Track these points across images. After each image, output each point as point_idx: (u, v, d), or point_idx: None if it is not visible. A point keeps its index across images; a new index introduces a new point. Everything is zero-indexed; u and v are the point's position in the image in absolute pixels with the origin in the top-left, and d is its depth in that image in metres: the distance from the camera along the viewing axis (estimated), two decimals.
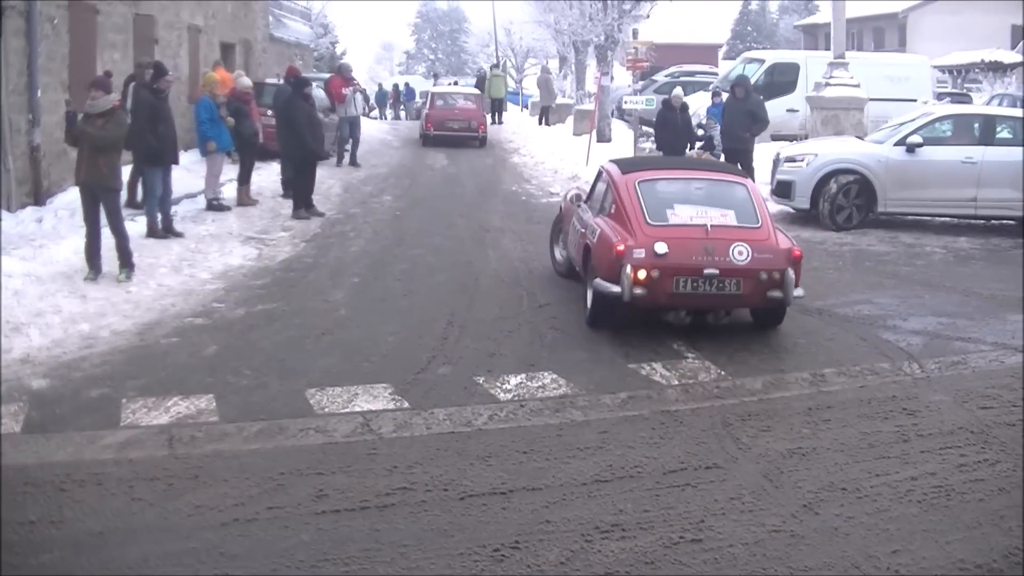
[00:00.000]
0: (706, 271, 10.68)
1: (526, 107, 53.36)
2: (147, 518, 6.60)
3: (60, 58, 18.46)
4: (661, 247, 10.71)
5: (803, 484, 7.29)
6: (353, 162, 26.40)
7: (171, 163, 16.02)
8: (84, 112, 12.98)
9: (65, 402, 8.82)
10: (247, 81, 20.69)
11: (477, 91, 39.67)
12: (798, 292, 11.00)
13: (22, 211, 16.48)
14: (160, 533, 6.38)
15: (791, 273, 10.84)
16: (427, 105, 35.18)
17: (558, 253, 14.37)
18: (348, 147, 26.49)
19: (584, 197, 13.48)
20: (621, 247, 10.82)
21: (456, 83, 51.16)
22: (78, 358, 9.99)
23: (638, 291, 10.66)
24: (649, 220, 11.18)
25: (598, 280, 11.10)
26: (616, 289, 10.75)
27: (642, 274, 10.65)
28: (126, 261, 13.10)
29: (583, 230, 12.36)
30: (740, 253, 10.80)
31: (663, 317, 11.47)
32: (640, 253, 10.71)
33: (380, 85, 71.13)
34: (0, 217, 14.97)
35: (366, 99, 40.93)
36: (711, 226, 11.04)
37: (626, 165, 12.89)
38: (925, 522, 6.71)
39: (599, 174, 13.18)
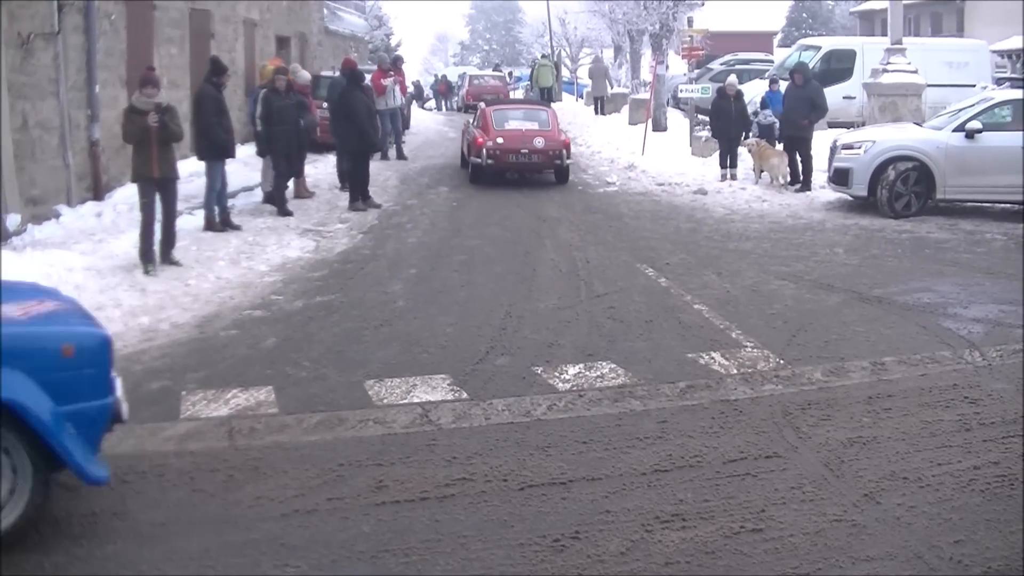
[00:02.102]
0: (522, 151, 21.93)
1: (581, 97, 53.35)
2: (208, 509, 6.65)
3: (118, 54, 18.63)
4: (500, 140, 21.91)
5: (864, 473, 7.23)
6: (400, 155, 26.39)
7: (229, 156, 16.17)
8: (138, 108, 13.12)
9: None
10: (306, 74, 20.79)
11: (502, 72, 56.16)
12: (569, 160, 22.65)
13: (82, 206, 16.63)
14: (221, 524, 6.43)
15: (564, 151, 22.35)
16: (466, 84, 51.57)
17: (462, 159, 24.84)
18: (392, 140, 26.49)
19: (473, 123, 23.89)
20: (481, 140, 22.08)
21: (511, 73, 53.01)
22: (138, 351, 10.07)
23: (490, 161, 21.78)
24: (495, 128, 22.30)
25: (473, 157, 22.31)
26: (479, 160, 21.86)
27: (491, 153, 21.77)
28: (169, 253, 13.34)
29: (470, 137, 23.28)
30: (539, 141, 22.09)
31: (506, 176, 22.44)
32: (490, 143, 21.83)
33: (436, 76, 71.34)
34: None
35: (418, 91, 41.63)
36: (525, 129, 22.40)
37: (490, 103, 25.34)
38: (988, 512, 6.63)
39: (478, 109, 24.67)
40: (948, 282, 13.23)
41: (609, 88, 43.02)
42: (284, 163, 17.99)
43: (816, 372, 9.63)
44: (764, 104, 23.89)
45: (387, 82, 26.03)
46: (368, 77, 22.58)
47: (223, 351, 10.19)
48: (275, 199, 17.90)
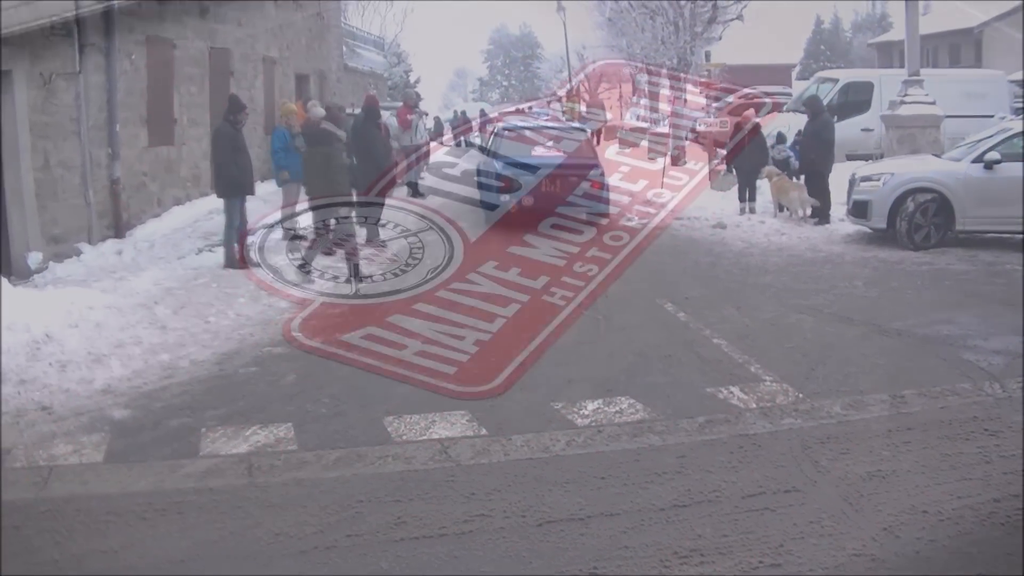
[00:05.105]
0: None
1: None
2: (228, 546, 6.65)
3: (138, 93, 18.77)
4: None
5: (883, 507, 7.19)
6: (415, 192, 26.35)
7: (248, 193, 16.22)
8: None
9: (146, 432, 8.92)
10: (321, 111, 20.83)
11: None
12: None
13: (103, 244, 16.73)
14: (241, 561, 6.43)
15: None
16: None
17: None
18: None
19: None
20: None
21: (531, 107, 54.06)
22: (159, 388, 10.11)
23: None
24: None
25: None
26: None
27: None
28: None
29: None
30: None
31: None
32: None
33: (455, 112, 71.81)
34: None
35: (438, 128, 42.45)
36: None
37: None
38: (1009, 545, 6.59)
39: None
40: (968, 314, 13.18)
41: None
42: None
43: (835, 405, 9.58)
44: (780, 139, 23.85)
45: (411, 117, 26.15)
46: (390, 114, 22.68)
47: (243, 388, 10.22)
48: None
